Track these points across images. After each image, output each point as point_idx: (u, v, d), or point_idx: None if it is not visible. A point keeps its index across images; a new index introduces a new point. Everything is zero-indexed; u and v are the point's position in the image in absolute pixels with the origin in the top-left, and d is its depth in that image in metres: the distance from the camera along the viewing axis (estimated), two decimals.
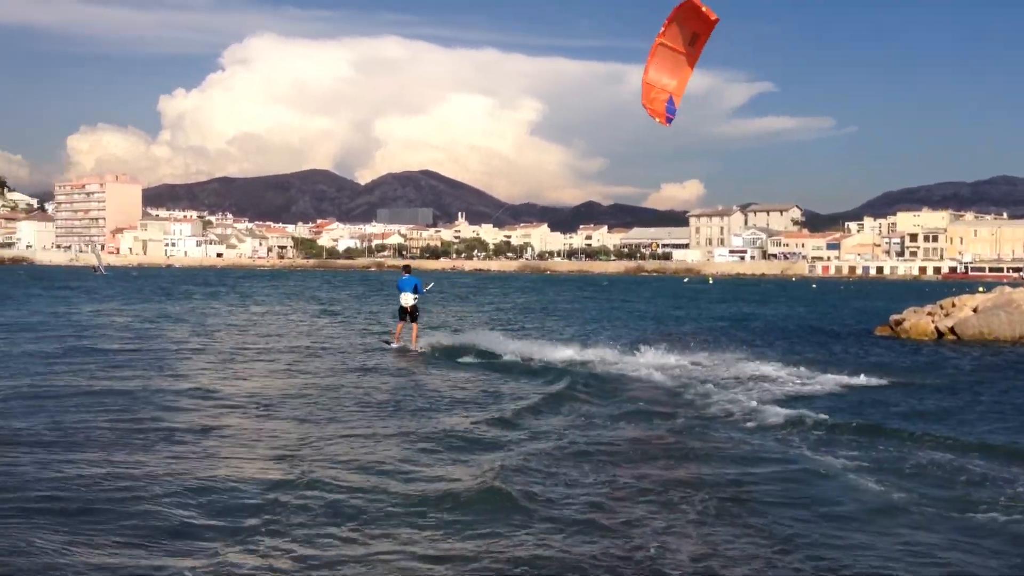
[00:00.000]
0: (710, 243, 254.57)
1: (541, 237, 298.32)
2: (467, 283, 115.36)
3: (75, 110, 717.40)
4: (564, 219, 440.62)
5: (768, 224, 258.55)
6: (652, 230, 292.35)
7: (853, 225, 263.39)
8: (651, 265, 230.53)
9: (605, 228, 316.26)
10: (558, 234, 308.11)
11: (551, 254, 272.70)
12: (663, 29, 15.07)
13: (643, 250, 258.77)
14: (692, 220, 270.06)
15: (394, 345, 27.14)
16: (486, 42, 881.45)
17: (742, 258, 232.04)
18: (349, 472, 11.39)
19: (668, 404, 17.45)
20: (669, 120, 15.83)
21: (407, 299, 27.09)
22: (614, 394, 18.54)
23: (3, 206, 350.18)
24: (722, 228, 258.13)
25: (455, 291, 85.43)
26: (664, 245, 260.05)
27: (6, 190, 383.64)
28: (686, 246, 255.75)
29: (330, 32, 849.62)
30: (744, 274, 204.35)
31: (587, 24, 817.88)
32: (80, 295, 63.76)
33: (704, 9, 14.62)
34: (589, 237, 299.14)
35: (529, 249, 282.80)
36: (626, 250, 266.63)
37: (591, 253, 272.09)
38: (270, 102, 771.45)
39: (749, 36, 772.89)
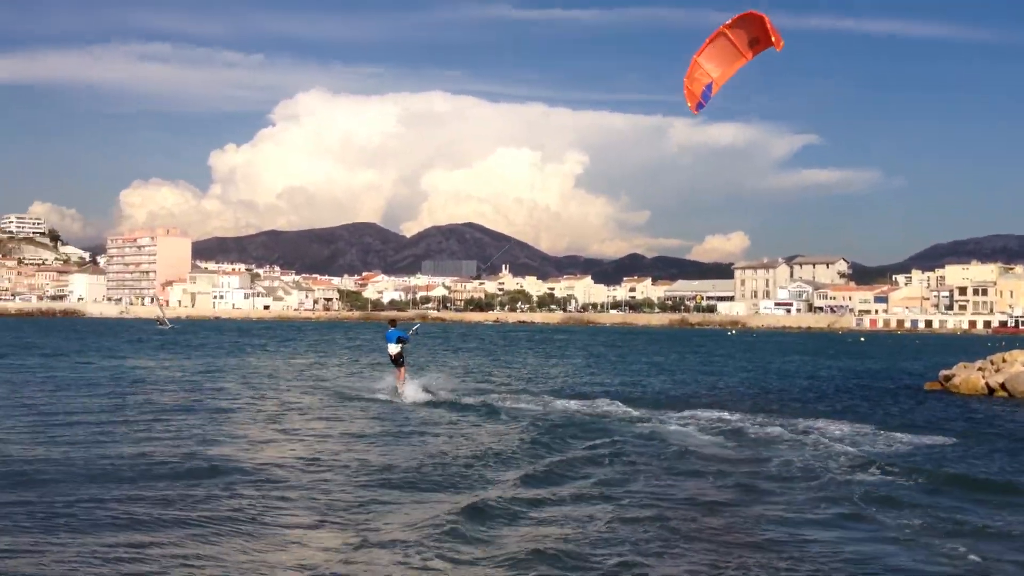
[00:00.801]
0: (755, 296, 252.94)
1: (585, 289, 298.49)
2: (514, 336, 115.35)
3: (128, 165, 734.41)
4: (608, 271, 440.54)
5: (814, 277, 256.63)
6: (696, 282, 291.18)
7: (901, 278, 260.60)
8: (696, 318, 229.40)
9: (649, 280, 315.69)
10: (602, 286, 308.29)
11: (595, 306, 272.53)
12: (731, 22, 15.55)
13: (687, 303, 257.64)
14: (737, 272, 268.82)
15: (398, 387, 29.91)
16: (532, 97, 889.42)
17: (788, 311, 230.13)
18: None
19: (721, 462, 17.33)
20: (700, 106, 16.38)
21: (392, 349, 31.05)
22: (664, 451, 18.55)
23: (56, 259, 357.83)
24: (768, 281, 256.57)
25: (502, 344, 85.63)
26: (709, 298, 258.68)
27: (59, 243, 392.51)
28: (731, 299, 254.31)
29: (378, 88, 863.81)
30: (790, 327, 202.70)
31: (633, 78, 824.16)
32: (150, 349, 64.36)
33: (774, 38, 15.27)
34: (633, 289, 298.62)
35: (573, 301, 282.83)
36: (670, 303, 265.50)
37: (635, 305, 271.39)
38: (319, 156, 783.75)
39: (794, 89, 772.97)
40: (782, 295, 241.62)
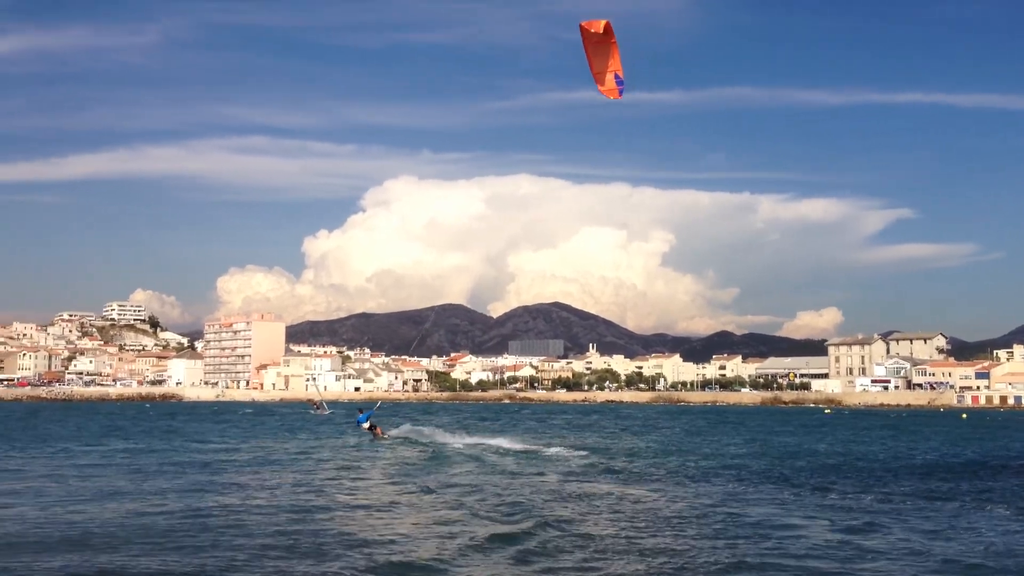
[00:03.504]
0: (850, 372, 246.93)
1: (673, 367, 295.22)
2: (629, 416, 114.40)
3: (225, 253, 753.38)
4: (697, 349, 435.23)
5: (911, 353, 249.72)
6: (789, 360, 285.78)
7: (1002, 353, 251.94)
8: (788, 396, 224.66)
9: (739, 358, 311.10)
10: (691, 364, 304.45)
11: (684, 385, 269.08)
12: (584, 44, 19.66)
13: (779, 380, 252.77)
14: (831, 349, 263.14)
15: (384, 439, 52.20)
16: (616, 177, 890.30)
17: (885, 388, 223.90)
18: None
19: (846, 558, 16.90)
20: (621, 92, 20.10)
21: (365, 426, 53.66)
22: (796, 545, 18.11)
23: (156, 345, 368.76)
24: (863, 357, 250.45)
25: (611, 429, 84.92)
26: (801, 375, 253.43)
27: (159, 330, 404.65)
28: (825, 376, 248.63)
29: (464, 172, 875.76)
30: (888, 405, 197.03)
31: (718, 156, 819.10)
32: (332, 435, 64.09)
33: (590, 30, 19.35)
34: (723, 367, 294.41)
35: (661, 380, 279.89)
36: (762, 380, 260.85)
37: (725, 383, 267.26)
38: (407, 240, 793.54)
39: (885, 163, 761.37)
40: (879, 372, 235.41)
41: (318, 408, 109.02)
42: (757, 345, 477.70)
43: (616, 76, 19.82)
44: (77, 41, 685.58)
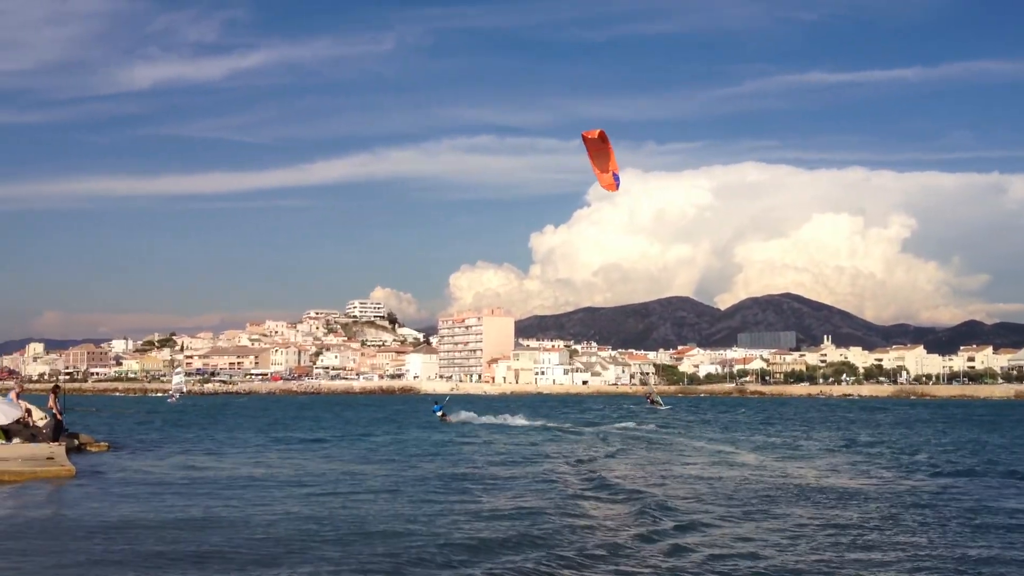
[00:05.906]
0: None
1: (916, 360, 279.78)
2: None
3: (457, 250, 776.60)
4: (941, 340, 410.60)
5: None
6: None
7: None
8: None
9: (990, 349, 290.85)
10: (935, 356, 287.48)
11: (928, 378, 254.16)
12: (586, 148, 24.35)
13: None
14: None
15: (449, 420, 67.69)
16: (851, 161, 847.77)
17: None
18: None
19: None
20: (617, 186, 24.98)
21: (438, 414, 70.19)
22: None
23: (394, 340, 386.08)
24: None
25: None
26: None
27: (397, 326, 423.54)
28: None
29: (690, 163, 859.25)
30: None
31: (963, 135, 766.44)
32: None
33: (589, 137, 24.18)
34: (972, 359, 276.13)
35: (903, 373, 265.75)
36: (1015, 373, 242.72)
37: (975, 376, 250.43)
38: (632, 233, 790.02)
39: None
40: None
41: (654, 403, 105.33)
42: (1010, 335, 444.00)
43: (614, 174, 24.48)
44: (321, 52, 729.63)
